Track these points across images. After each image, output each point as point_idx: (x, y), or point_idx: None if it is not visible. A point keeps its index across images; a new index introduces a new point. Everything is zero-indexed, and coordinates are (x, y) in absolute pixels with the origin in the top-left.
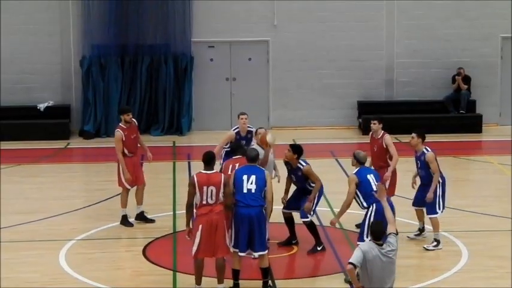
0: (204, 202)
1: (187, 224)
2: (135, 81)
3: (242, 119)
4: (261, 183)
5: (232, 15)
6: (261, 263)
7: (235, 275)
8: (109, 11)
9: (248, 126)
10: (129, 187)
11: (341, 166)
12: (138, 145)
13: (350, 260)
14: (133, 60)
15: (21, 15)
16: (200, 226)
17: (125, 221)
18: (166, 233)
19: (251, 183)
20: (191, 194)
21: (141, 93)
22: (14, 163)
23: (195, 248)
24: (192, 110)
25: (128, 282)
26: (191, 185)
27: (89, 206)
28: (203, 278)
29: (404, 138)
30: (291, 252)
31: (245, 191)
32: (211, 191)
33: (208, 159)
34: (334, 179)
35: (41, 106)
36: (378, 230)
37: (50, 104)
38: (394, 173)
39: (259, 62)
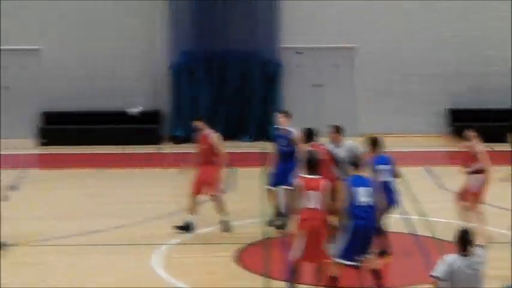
0: (308, 207)
1: (289, 227)
2: (223, 88)
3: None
4: (373, 195)
5: (320, 21)
6: (373, 265)
7: (333, 281)
8: (197, 17)
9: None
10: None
11: (431, 174)
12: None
13: (433, 273)
14: (221, 66)
15: (112, 22)
16: (303, 231)
17: (224, 226)
18: (257, 239)
19: (365, 195)
20: (296, 197)
21: (229, 99)
22: (106, 167)
23: (295, 252)
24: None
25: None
26: (296, 188)
27: (182, 210)
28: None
29: (497, 147)
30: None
31: (360, 203)
32: (315, 195)
33: (312, 163)
34: (426, 188)
35: (132, 111)
36: (465, 239)
37: (140, 110)
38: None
39: (347, 69)
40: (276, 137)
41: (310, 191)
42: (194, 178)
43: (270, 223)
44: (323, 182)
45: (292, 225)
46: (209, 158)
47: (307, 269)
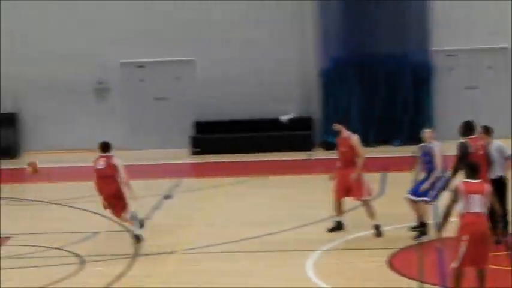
0: (471, 211)
1: (443, 230)
2: (374, 92)
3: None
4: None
5: (471, 23)
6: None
7: None
8: (347, 23)
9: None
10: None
11: None
12: None
13: None
14: (372, 71)
15: (263, 31)
16: (466, 235)
17: (377, 230)
18: (409, 244)
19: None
20: (453, 201)
21: (380, 104)
22: (258, 175)
23: (459, 258)
24: (432, 120)
25: None
26: (454, 192)
27: (334, 216)
28: None
29: None
30: None
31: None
32: (478, 199)
33: (475, 168)
34: None
35: (284, 118)
36: None
37: (292, 116)
38: None
39: (500, 70)
40: (421, 152)
41: (473, 195)
42: (336, 182)
43: (414, 229)
44: (486, 186)
45: (444, 232)
46: (350, 161)
47: (470, 274)
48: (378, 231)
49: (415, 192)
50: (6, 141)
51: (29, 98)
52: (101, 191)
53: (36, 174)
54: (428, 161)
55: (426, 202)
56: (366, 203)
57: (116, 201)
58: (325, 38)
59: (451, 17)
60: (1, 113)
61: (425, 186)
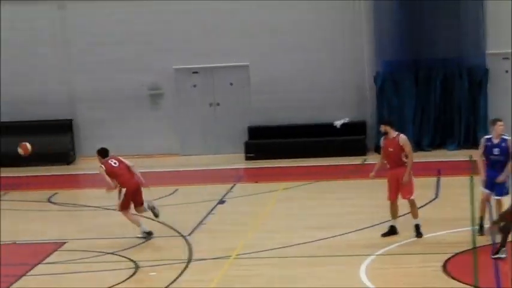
0: None
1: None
2: (429, 96)
3: (500, 125)
4: None
5: None
6: None
7: None
8: (401, 27)
9: (503, 135)
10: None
11: None
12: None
13: None
14: (426, 75)
15: (316, 34)
16: None
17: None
18: (465, 248)
19: None
20: None
21: (435, 108)
22: (312, 180)
23: None
24: (487, 123)
25: None
26: None
27: (387, 221)
28: None
29: None
30: None
31: None
32: None
33: None
34: None
35: (337, 123)
36: None
37: (346, 121)
38: None
39: None
40: (489, 145)
41: None
42: (388, 184)
43: (480, 230)
44: None
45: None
46: (398, 161)
47: None
48: (419, 232)
49: (501, 192)
50: (61, 147)
51: (84, 105)
52: (125, 185)
53: (27, 153)
54: (503, 152)
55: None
56: (413, 203)
57: (140, 195)
58: (379, 42)
59: (507, 20)
60: (58, 119)
61: (501, 178)
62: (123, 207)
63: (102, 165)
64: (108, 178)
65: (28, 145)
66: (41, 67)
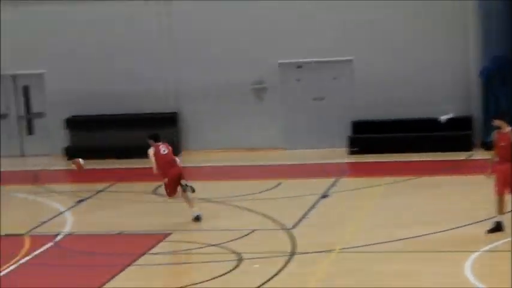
0: None
1: None
2: None
3: None
4: None
5: None
6: None
7: None
8: (509, 21)
9: None
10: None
11: None
12: None
13: None
14: None
15: (423, 28)
16: None
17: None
18: None
19: None
20: None
21: None
22: (417, 175)
23: None
24: None
25: None
26: None
27: (492, 217)
28: None
29: None
30: None
31: None
32: None
33: None
34: None
35: (443, 118)
36: None
37: (451, 116)
38: None
39: None
40: None
41: None
42: (496, 178)
43: None
44: None
45: None
46: (509, 156)
47: None
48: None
49: None
50: (167, 140)
51: (190, 98)
52: (167, 174)
53: (82, 171)
54: None
55: None
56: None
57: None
58: (486, 37)
59: None
60: (163, 112)
61: None
62: (170, 194)
63: (153, 148)
64: (154, 160)
65: (81, 161)
66: (148, 62)
